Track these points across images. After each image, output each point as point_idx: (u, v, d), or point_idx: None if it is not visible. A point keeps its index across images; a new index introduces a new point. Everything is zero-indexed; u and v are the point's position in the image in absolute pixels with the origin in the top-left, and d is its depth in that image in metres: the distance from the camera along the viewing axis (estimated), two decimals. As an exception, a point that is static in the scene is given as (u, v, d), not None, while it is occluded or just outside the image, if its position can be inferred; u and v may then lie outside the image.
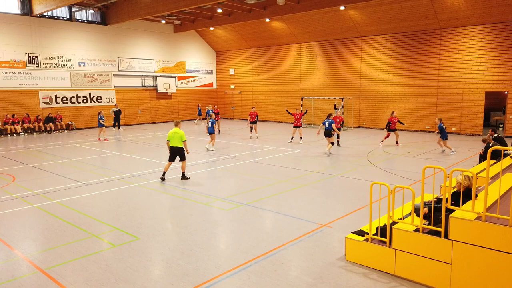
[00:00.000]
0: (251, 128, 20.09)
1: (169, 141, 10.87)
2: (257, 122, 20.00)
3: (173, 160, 11.05)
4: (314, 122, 26.81)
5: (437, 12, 20.47)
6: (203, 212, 8.34)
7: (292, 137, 18.29)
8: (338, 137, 17.02)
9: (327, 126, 14.81)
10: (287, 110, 19.19)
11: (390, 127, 16.96)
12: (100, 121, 19.85)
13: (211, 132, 16.43)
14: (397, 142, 17.34)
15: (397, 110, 23.53)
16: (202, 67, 33.01)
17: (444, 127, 15.12)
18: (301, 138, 18.24)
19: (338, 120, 17.06)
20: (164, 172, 11.04)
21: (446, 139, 15.27)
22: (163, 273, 5.58)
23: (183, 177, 11.16)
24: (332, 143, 14.78)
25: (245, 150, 16.40)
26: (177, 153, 10.91)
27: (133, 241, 6.69)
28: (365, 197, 8.98)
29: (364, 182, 10.78)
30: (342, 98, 24.29)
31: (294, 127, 18.04)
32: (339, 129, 17.01)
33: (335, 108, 23.60)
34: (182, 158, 11.05)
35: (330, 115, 15.36)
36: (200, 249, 6.34)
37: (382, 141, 17.38)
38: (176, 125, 11.01)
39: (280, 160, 14.14)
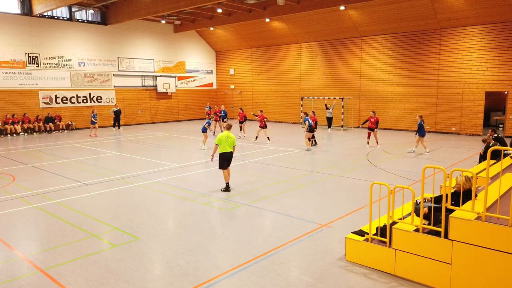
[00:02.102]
0: (240, 127, 20.47)
1: (217, 145, 9.84)
2: (245, 122, 20.71)
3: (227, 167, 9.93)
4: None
5: (437, 12, 20.47)
6: (203, 212, 8.34)
7: (256, 137, 19.14)
8: (313, 136, 17.21)
9: (310, 122, 16.12)
10: (253, 114, 22.12)
11: (369, 126, 16.94)
12: (93, 119, 21.89)
13: (203, 130, 16.77)
14: (367, 143, 17.26)
15: (397, 110, 23.57)
16: (202, 67, 32.99)
17: (423, 124, 15.23)
18: (268, 138, 18.85)
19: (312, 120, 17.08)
20: (227, 183, 9.94)
21: (423, 136, 15.30)
22: (163, 273, 5.58)
23: (227, 188, 9.94)
24: (309, 139, 16.30)
25: (245, 150, 16.39)
26: (229, 158, 9.87)
27: (133, 241, 6.69)
28: (365, 197, 8.98)
29: (364, 182, 10.78)
30: (342, 98, 24.28)
31: (260, 127, 18.90)
32: (315, 128, 17.54)
33: (326, 108, 23.65)
34: (228, 165, 9.96)
35: (306, 113, 16.68)
36: (200, 249, 6.34)
37: (368, 143, 17.30)
38: (228, 129, 9.97)
39: (280, 160, 14.14)
